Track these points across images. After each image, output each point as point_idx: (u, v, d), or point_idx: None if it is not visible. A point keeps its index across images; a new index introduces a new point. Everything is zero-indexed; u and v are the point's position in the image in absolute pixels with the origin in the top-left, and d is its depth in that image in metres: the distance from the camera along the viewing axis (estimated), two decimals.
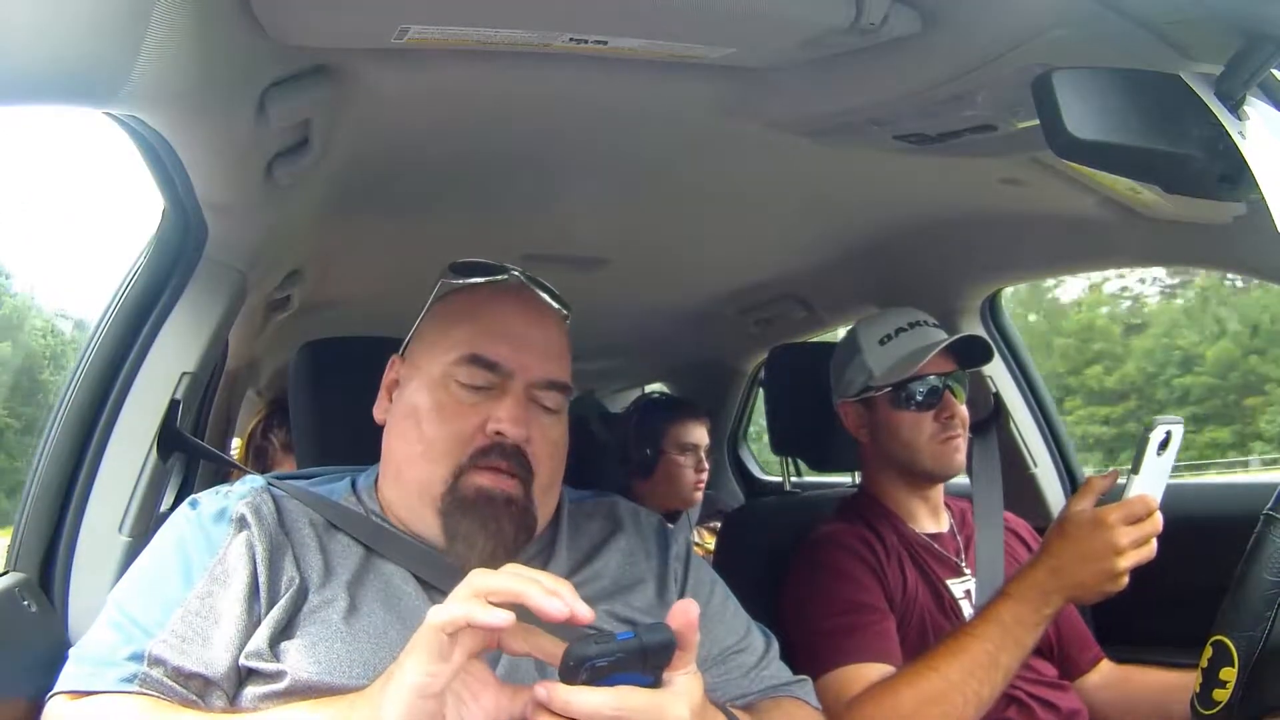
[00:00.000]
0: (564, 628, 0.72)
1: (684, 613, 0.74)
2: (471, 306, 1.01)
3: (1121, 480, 1.19)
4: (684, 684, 0.75)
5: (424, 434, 0.97)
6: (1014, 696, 1.34)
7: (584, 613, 0.71)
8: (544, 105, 1.19)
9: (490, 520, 0.93)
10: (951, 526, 1.56)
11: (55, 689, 0.86)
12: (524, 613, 0.72)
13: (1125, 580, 1.15)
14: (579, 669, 0.70)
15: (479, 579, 0.73)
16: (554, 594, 0.71)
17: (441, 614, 0.72)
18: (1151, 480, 1.14)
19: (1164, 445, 1.12)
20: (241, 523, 0.93)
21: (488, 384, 0.97)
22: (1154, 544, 1.15)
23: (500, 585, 0.72)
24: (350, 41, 0.97)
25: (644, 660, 0.72)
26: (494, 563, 0.81)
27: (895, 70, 1.02)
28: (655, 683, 0.73)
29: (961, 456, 1.49)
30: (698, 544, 2.52)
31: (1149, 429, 1.12)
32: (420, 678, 0.72)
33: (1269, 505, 0.92)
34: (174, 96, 0.84)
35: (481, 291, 1.02)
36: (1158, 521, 1.14)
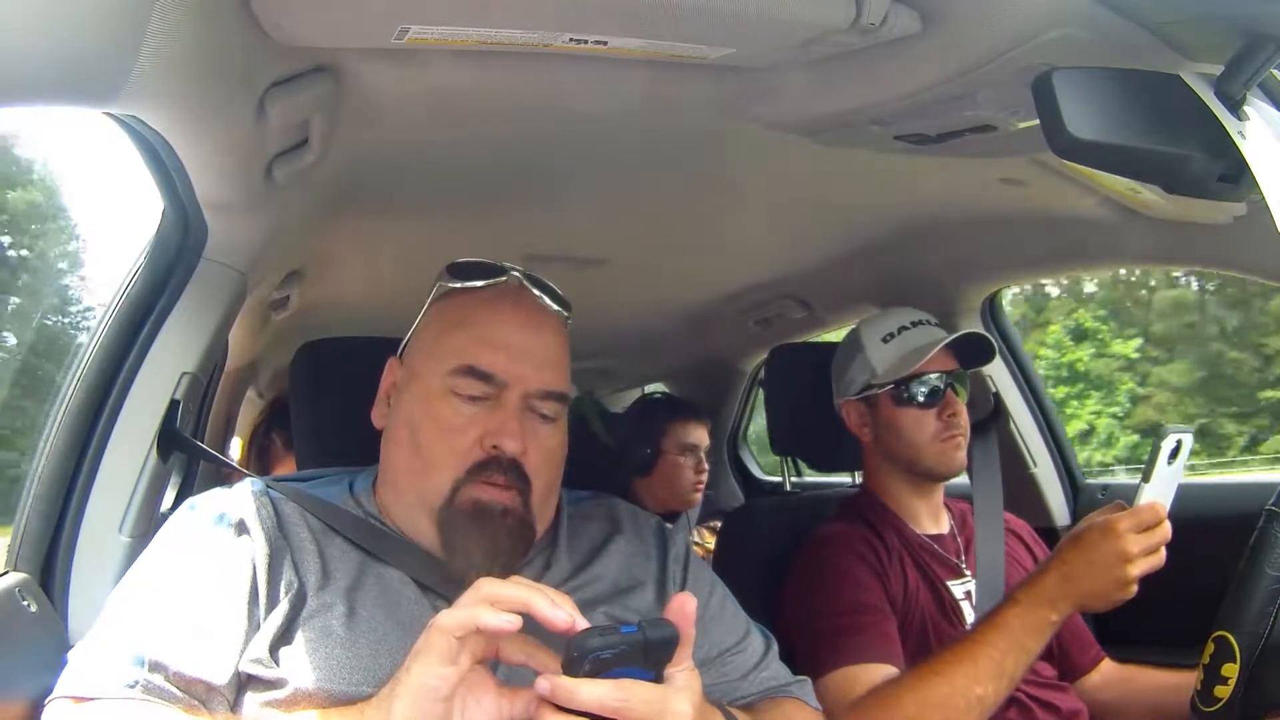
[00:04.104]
0: (562, 639, 0.73)
1: (681, 607, 0.75)
2: (468, 312, 1.00)
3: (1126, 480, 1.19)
4: (685, 679, 0.75)
5: (421, 447, 0.96)
6: (1014, 697, 1.34)
7: (583, 624, 0.72)
8: (544, 105, 1.19)
9: (487, 533, 0.93)
10: (952, 528, 1.56)
11: (56, 693, 0.86)
12: (526, 624, 0.73)
13: (1134, 588, 1.14)
14: (582, 660, 0.70)
15: (488, 587, 0.74)
16: (558, 605, 0.72)
17: (451, 618, 0.73)
18: (1161, 488, 1.14)
19: (1174, 454, 1.12)
20: (241, 527, 0.93)
21: (484, 394, 0.96)
22: (1163, 552, 1.15)
23: (508, 594, 0.73)
24: (350, 41, 0.97)
25: (646, 654, 0.72)
26: (491, 574, 0.81)
27: (895, 70, 1.02)
28: (657, 678, 0.74)
29: (963, 455, 1.49)
30: (698, 544, 2.52)
31: (1160, 437, 1.12)
32: (430, 680, 0.72)
33: (1270, 501, 0.92)
34: (174, 96, 0.84)
35: (479, 295, 1.01)
36: (1167, 530, 1.14)
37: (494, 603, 0.73)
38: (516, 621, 0.72)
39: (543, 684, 0.71)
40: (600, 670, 0.71)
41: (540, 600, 0.73)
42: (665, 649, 0.73)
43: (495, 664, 0.85)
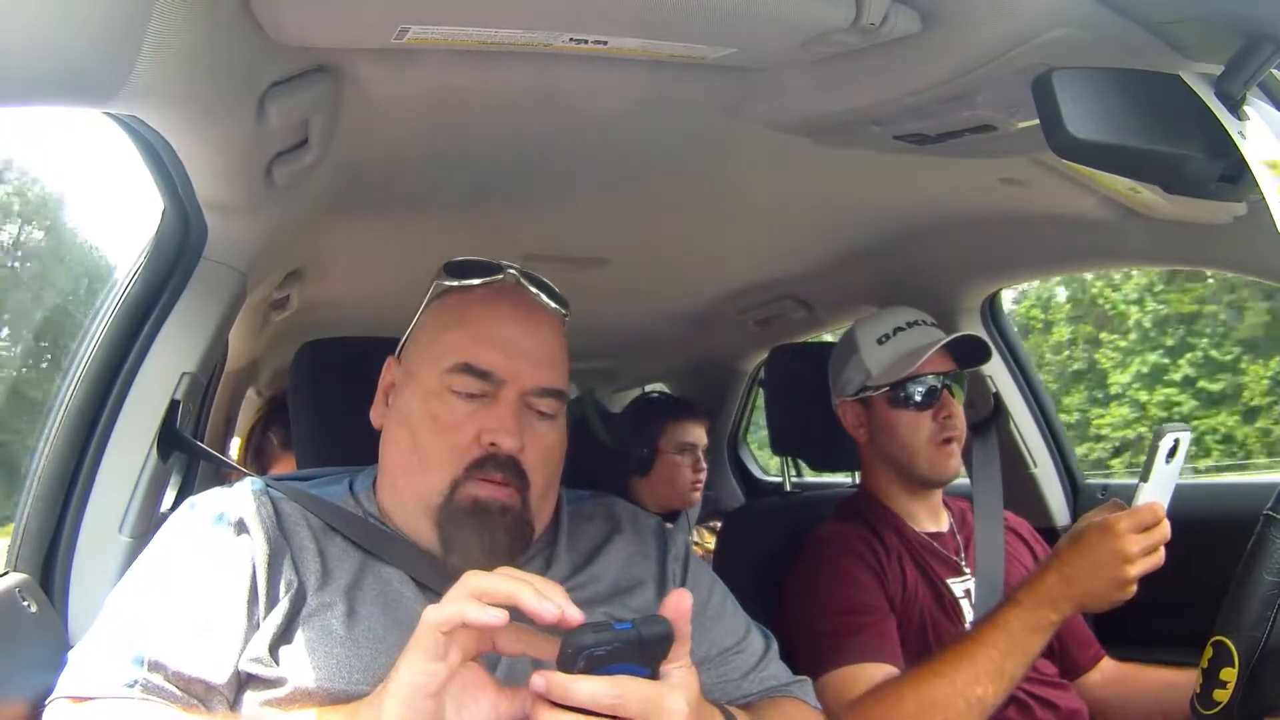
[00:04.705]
0: (555, 629, 0.73)
1: (677, 603, 0.75)
2: (465, 311, 1.00)
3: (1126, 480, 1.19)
4: (681, 676, 0.75)
5: (419, 445, 0.96)
6: (1014, 695, 1.34)
7: (574, 615, 0.72)
8: (544, 105, 1.19)
9: (485, 530, 0.93)
10: (951, 526, 1.56)
11: (56, 693, 0.86)
12: (516, 616, 0.72)
13: (1134, 588, 1.15)
14: (576, 657, 0.70)
15: (473, 580, 0.74)
16: (545, 596, 0.72)
17: (437, 614, 0.73)
18: (1160, 487, 1.14)
19: (1172, 453, 1.12)
20: (240, 526, 0.93)
21: (481, 392, 0.96)
22: (1162, 551, 1.15)
23: (494, 587, 0.73)
24: (350, 41, 0.97)
25: (641, 651, 0.72)
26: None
27: (895, 70, 1.02)
28: (652, 674, 0.74)
29: (957, 462, 1.49)
30: (698, 544, 2.52)
31: (1158, 437, 1.12)
32: (418, 677, 0.72)
33: (1269, 505, 0.92)
34: (174, 96, 0.84)
35: (475, 294, 1.01)
36: (1166, 529, 1.14)
37: (480, 596, 0.72)
38: (503, 615, 0.71)
39: (538, 680, 0.71)
40: (595, 667, 0.71)
41: (527, 592, 0.72)
42: (660, 646, 0.73)
43: (495, 662, 0.85)
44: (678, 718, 0.73)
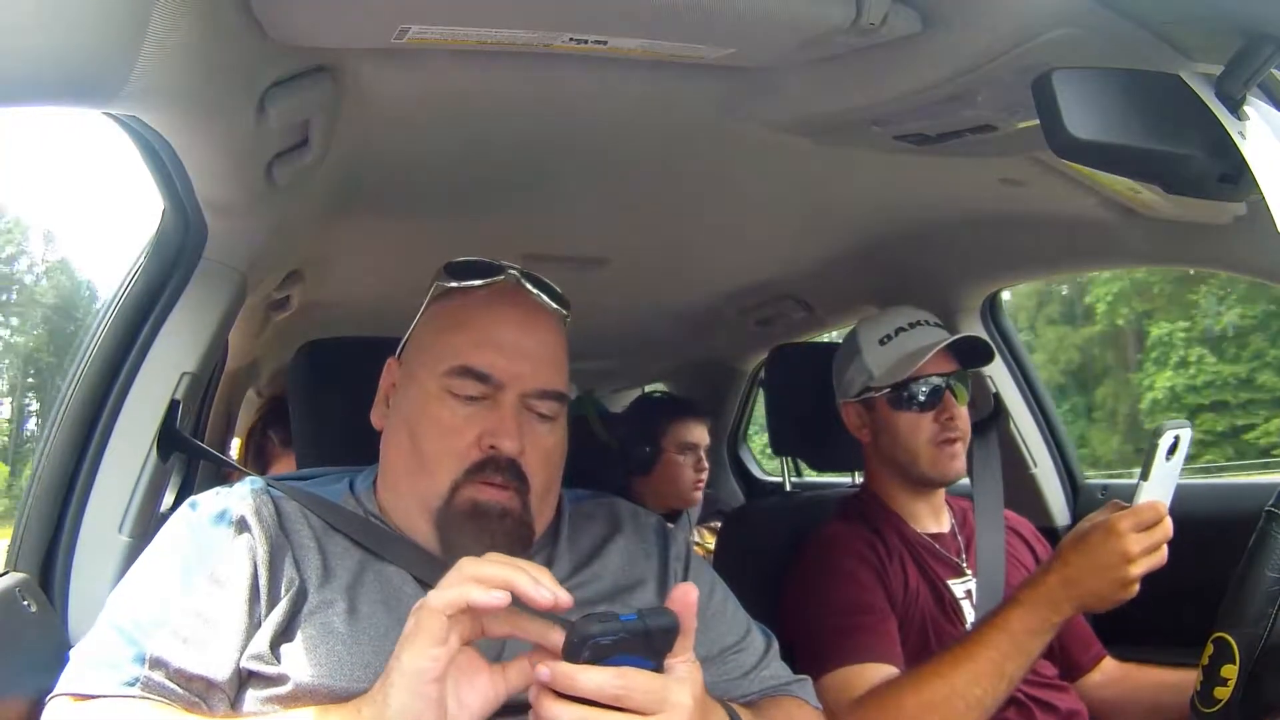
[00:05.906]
0: (550, 615, 0.74)
1: (683, 596, 0.75)
2: (465, 312, 1.00)
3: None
4: (686, 670, 0.75)
5: (420, 448, 0.96)
6: (1013, 697, 1.34)
7: (565, 598, 0.73)
8: (544, 105, 1.19)
9: (485, 534, 0.93)
10: (953, 527, 1.56)
11: (57, 690, 0.86)
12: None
13: (1136, 588, 1.14)
14: (582, 647, 0.70)
15: (471, 566, 0.74)
16: (539, 582, 0.72)
17: (440, 598, 0.73)
18: (1160, 485, 1.13)
19: (1172, 450, 1.12)
20: (241, 524, 0.93)
21: (481, 394, 0.96)
22: (1165, 550, 1.14)
23: (492, 573, 0.73)
24: (350, 41, 0.97)
25: (647, 643, 0.72)
26: None
27: (895, 70, 1.02)
28: (657, 667, 0.73)
29: (960, 463, 1.48)
30: (698, 544, 2.52)
31: (1158, 434, 1.11)
32: (422, 663, 0.72)
33: (1270, 502, 0.92)
34: (174, 96, 0.84)
35: (475, 295, 1.00)
36: (1168, 527, 1.14)
37: (479, 581, 0.73)
38: (506, 597, 0.72)
39: (543, 670, 0.71)
40: (600, 657, 0.70)
41: (523, 578, 0.72)
42: (666, 638, 0.73)
43: (490, 645, 0.85)
44: (682, 711, 0.73)
